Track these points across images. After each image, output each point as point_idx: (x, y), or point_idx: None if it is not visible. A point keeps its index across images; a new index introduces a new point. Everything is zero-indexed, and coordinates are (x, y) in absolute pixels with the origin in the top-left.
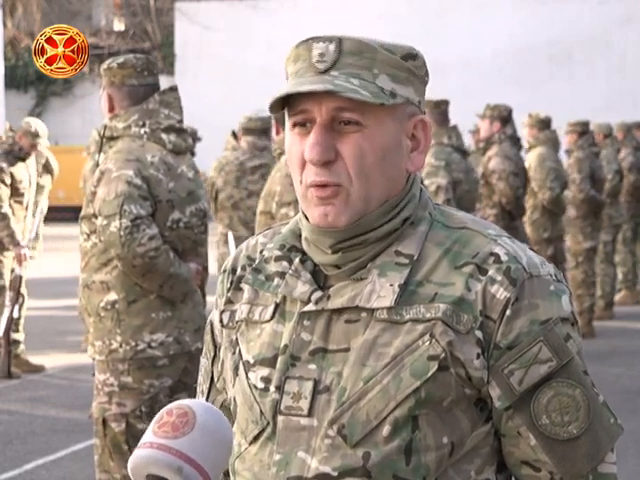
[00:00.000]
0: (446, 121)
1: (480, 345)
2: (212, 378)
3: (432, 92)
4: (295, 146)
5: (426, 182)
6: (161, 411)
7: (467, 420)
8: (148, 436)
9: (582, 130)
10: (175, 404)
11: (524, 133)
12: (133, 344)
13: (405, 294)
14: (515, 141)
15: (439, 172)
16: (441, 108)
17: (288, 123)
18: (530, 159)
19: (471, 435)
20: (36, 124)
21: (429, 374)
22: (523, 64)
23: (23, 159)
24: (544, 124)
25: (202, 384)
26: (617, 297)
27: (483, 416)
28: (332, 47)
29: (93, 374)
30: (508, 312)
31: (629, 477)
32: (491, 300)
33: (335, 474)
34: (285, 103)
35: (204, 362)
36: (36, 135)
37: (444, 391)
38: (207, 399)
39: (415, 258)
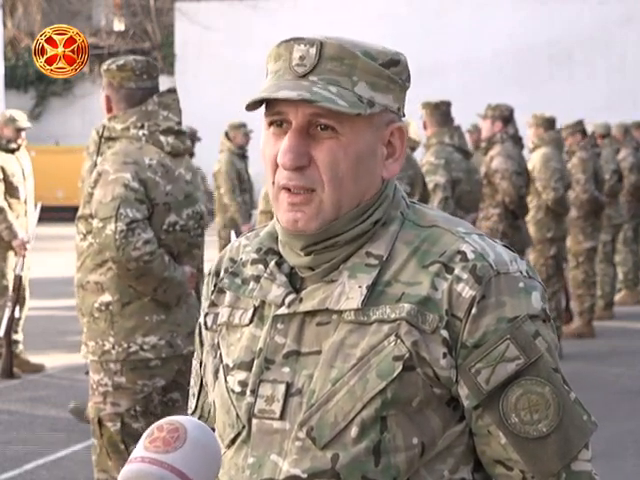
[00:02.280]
0: (448, 121)
1: (446, 344)
2: (202, 380)
3: (432, 92)
4: (269, 146)
5: (425, 180)
6: (151, 427)
7: (439, 420)
8: (139, 451)
9: (581, 129)
10: (166, 420)
11: (528, 133)
12: (125, 346)
13: (373, 295)
14: (517, 140)
15: (438, 170)
16: (441, 109)
17: (264, 121)
18: (534, 159)
19: (443, 435)
20: (9, 112)
21: (394, 374)
22: (523, 64)
23: (12, 151)
24: (550, 123)
25: (193, 386)
26: (617, 297)
27: (456, 415)
28: (313, 51)
29: (86, 373)
30: (474, 310)
31: (629, 477)
32: (457, 299)
33: (304, 476)
34: (262, 101)
35: (195, 364)
36: (14, 120)
37: (411, 391)
38: (197, 401)
39: (384, 258)
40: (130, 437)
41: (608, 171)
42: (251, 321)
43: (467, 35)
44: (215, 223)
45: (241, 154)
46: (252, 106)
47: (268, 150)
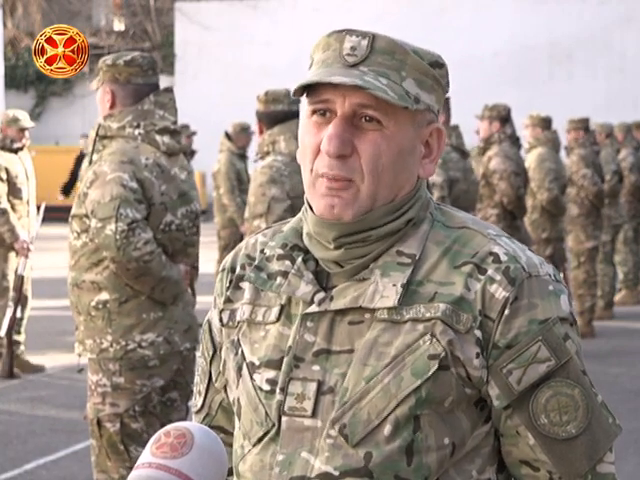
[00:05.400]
0: (448, 119)
1: (479, 344)
2: (210, 378)
3: None
4: (310, 135)
5: None
6: (158, 432)
7: (468, 420)
8: (146, 457)
9: (584, 127)
10: (172, 426)
11: (524, 134)
12: (123, 343)
13: (407, 294)
14: (514, 140)
15: (435, 169)
16: (445, 106)
17: (307, 110)
18: (530, 159)
19: (472, 435)
20: (12, 112)
21: (430, 373)
22: (523, 64)
23: (16, 151)
24: (546, 123)
25: (199, 384)
26: (617, 297)
27: (483, 416)
28: (364, 43)
29: (79, 371)
30: (507, 311)
31: (630, 477)
32: (490, 299)
33: (337, 474)
34: (307, 89)
35: (201, 362)
36: (16, 119)
37: (444, 391)
38: (204, 399)
39: (417, 257)
40: (129, 438)
41: (609, 172)
42: (278, 319)
43: (467, 35)
44: (214, 223)
45: (241, 154)
46: (299, 92)
47: (308, 138)
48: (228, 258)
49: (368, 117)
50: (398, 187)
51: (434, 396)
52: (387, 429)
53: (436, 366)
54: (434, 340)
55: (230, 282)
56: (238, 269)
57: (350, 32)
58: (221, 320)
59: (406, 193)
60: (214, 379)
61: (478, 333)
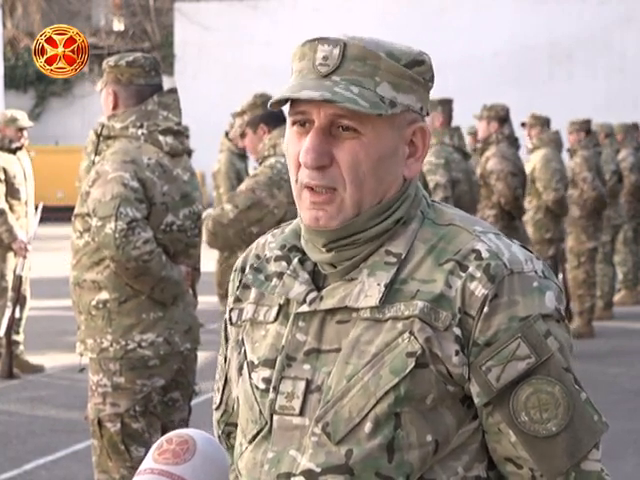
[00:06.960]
0: (449, 121)
1: (459, 342)
2: (227, 375)
3: (432, 92)
4: (293, 144)
5: (426, 179)
6: (160, 439)
7: (452, 417)
8: (148, 463)
9: (586, 128)
10: (175, 432)
11: (524, 134)
12: (123, 343)
13: (390, 292)
14: (513, 141)
15: (438, 170)
16: (444, 107)
17: (288, 120)
18: (534, 160)
19: (458, 432)
20: (10, 112)
21: (407, 371)
22: (523, 64)
23: (14, 151)
24: (547, 123)
25: (218, 381)
26: (617, 297)
27: (470, 413)
28: (336, 51)
29: (80, 370)
30: (486, 309)
31: (629, 477)
32: (470, 297)
33: (318, 470)
34: (287, 99)
35: (220, 360)
36: (15, 119)
37: (424, 388)
38: (222, 396)
39: (403, 257)
40: (130, 438)
41: (608, 172)
42: (276, 319)
43: (467, 35)
44: None
45: (241, 154)
46: (276, 104)
47: (291, 148)
48: (240, 258)
49: (345, 126)
50: (383, 191)
51: (413, 393)
52: (367, 427)
53: (413, 364)
54: (412, 338)
55: (240, 282)
56: (247, 269)
57: (322, 41)
58: (230, 319)
59: (392, 195)
60: (229, 377)
61: (457, 331)
